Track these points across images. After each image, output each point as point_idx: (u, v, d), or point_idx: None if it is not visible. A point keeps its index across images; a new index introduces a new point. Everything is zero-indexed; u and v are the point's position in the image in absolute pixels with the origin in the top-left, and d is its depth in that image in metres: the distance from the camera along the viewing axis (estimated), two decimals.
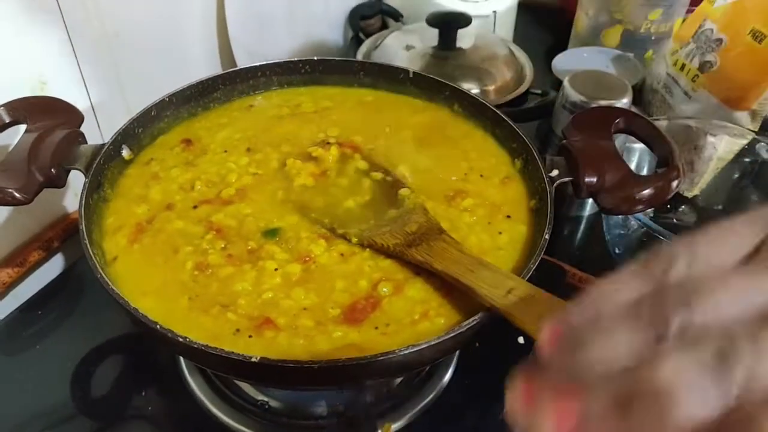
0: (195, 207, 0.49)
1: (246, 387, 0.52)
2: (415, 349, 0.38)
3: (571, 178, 0.48)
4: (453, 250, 0.43)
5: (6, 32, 0.51)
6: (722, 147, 0.67)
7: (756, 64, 0.66)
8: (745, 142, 0.66)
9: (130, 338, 0.57)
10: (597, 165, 0.48)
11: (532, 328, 0.34)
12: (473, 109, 0.58)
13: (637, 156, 0.68)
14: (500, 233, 0.48)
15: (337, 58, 0.62)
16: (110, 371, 0.55)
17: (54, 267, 0.63)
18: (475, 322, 0.38)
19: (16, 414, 0.51)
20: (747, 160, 0.67)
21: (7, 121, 0.50)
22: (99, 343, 0.57)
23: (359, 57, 0.82)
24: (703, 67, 0.71)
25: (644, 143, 0.52)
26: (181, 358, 0.54)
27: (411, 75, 0.60)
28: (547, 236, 0.44)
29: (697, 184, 0.70)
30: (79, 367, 0.55)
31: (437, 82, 0.59)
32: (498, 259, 0.45)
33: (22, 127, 0.50)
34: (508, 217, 0.49)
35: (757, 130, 0.68)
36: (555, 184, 0.48)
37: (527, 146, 0.51)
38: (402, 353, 0.37)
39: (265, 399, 0.52)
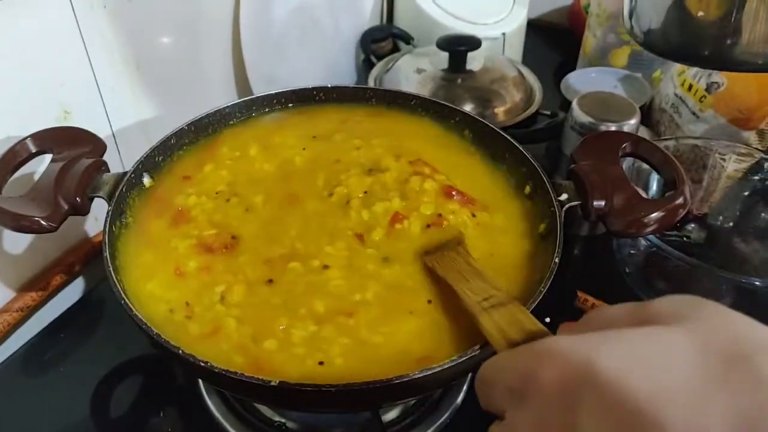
0: None
1: (263, 408, 0.53)
2: (429, 372, 0.38)
3: (579, 202, 0.49)
4: (460, 261, 0.46)
5: (31, 65, 0.53)
6: (730, 166, 0.68)
7: (762, 84, 0.67)
8: (753, 161, 0.67)
9: (149, 359, 0.58)
10: (605, 189, 0.49)
11: (491, 337, 0.37)
12: (484, 134, 0.59)
13: (647, 175, 0.69)
14: None
15: (350, 86, 0.63)
16: (130, 392, 0.56)
17: (76, 290, 0.65)
18: (486, 346, 0.39)
19: None
20: (756, 178, 0.68)
21: (34, 151, 0.52)
22: (119, 364, 0.58)
23: (371, 80, 0.84)
24: (710, 87, 0.72)
25: (651, 167, 0.53)
26: (199, 379, 0.55)
27: (422, 101, 0.62)
28: (557, 260, 0.45)
29: (706, 202, 0.71)
30: (99, 388, 0.56)
31: (448, 107, 0.60)
32: None
33: (48, 157, 0.52)
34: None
35: (764, 149, 0.69)
36: (564, 209, 0.49)
37: (537, 172, 0.52)
38: (416, 376, 0.38)
39: (282, 420, 0.53)
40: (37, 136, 0.52)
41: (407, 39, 0.95)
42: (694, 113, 0.74)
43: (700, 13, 0.39)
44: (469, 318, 0.40)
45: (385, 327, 0.44)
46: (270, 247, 0.49)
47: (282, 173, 0.56)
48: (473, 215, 0.52)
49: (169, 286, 0.47)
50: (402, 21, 0.99)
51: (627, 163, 0.64)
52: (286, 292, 0.46)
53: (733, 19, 0.38)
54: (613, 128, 0.66)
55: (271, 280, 0.47)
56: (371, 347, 0.43)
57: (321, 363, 0.42)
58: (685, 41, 0.42)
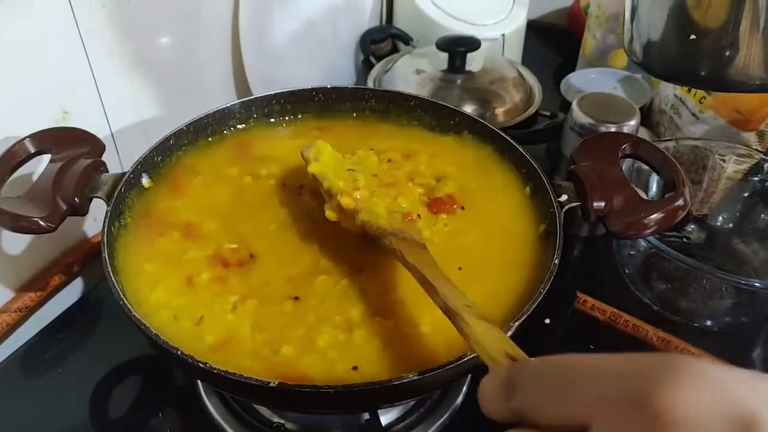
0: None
1: (262, 409, 0.53)
2: (428, 374, 0.38)
3: (579, 203, 0.49)
4: (428, 258, 0.44)
5: (30, 65, 0.53)
6: (730, 167, 0.68)
7: None
8: (752, 162, 0.67)
9: (147, 360, 0.58)
10: (605, 190, 0.49)
11: (484, 344, 0.34)
12: (483, 135, 0.59)
13: (647, 176, 0.69)
14: None
15: (349, 86, 0.63)
16: (128, 392, 0.56)
17: (74, 291, 0.65)
18: None
19: None
20: (756, 179, 0.68)
21: (33, 151, 0.52)
22: (117, 364, 0.58)
23: (370, 80, 0.84)
24: None
25: (651, 168, 0.53)
26: (198, 380, 0.55)
27: (421, 102, 0.62)
28: (556, 261, 0.45)
29: (706, 203, 0.71)
30: (98, 388, 0.56)
31: (448, 108, 0.60)
32: None
33: (47, 157, 0.52)
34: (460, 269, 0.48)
35: (764, 150, 0.69)
36: (564, 210, 0.49)
37: (537, 173, 0.52)
38: (414, 378, 0.38)
39: (282, 421, 0.53)
40: (35, 137, 0.52)
41: (406, 40, 0.95)
42: (693, 114, 0.74)
43: (698, 22, 0.39)
44: (447, 318, 0.38)
45: (427, 316, 0.44)
46: (291, 265, 0.49)
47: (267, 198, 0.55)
48: (462, 208, 0.52)
49: (177, 294, 0.47)
50: (401, 22, 0.99)
51: (627, 164, 0.64)
52: (318, 305, 0.46)
53: (730, 29, 0.37)
54: (612, 129, 0.66)
55: (297, 298, 0.46)
56: (415, 338, 0.43)
57: (355, 368, 0.42)
58: (683, 56, 0.41)
